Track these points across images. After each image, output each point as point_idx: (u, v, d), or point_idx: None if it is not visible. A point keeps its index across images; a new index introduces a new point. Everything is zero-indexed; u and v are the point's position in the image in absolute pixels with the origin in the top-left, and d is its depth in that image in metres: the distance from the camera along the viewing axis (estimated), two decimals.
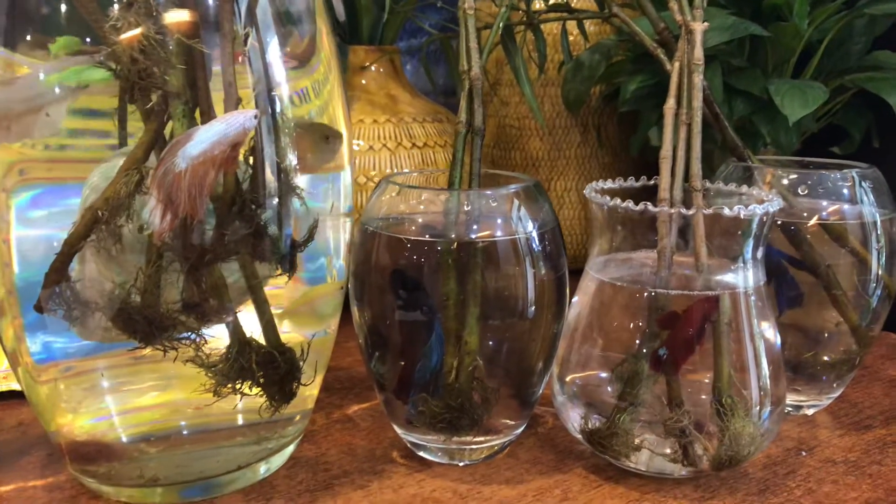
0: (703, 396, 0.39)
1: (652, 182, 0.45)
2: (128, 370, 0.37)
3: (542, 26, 0.64)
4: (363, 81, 0.69)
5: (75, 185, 0.35)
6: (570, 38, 0.69)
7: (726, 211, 0.37)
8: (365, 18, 0.69)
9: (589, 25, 0.67)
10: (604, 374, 0.41)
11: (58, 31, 0.33)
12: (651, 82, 0.63)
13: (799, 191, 0.45)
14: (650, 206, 0.39)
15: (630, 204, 0.39)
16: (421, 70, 0.90)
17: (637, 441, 0.39)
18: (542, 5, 0.64)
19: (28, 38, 0.34)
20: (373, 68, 0.69)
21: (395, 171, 0.64)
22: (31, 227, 0.35)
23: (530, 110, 0.75)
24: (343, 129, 0.42)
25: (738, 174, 0.48)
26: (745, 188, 0.43)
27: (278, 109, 0.37)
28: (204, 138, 0.33)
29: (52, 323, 0.35)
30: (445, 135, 0.68)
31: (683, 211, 0.38)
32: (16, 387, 0.50)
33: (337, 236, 0.42)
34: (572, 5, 0.63)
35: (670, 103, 0.44)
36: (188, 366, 0.35)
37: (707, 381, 0.39)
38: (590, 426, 0.41)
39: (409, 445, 0.44)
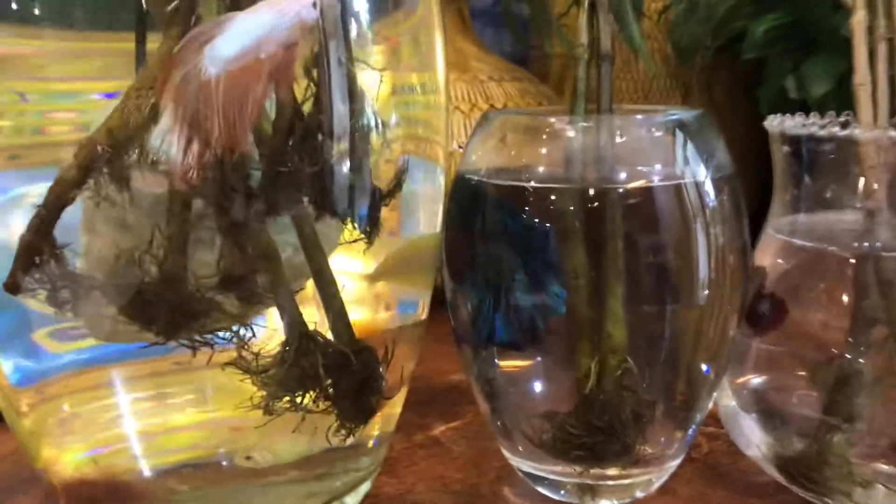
0: None
1: (842, 119, 0.33)
2: (143, 384, 0.27)
3: None
4: None
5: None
6: None
7: None
8: None
9: None
10: (798, 378, 0.30)
11: None
12: (786, 20, 0.51)
13: None
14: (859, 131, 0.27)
15: (838, 129, 0.28)
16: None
17: (866, 473, 0.28)
18: None
19: None
20: None
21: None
22: None
23: (632, 58, 0.63)
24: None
25: None
26: None
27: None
28: (243, 31, 0.22)
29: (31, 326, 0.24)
30: (528, 95, 0.56)
31: None
32: None
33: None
34: None
35: (859, 16, 0.33)
36: (228, 372, 0.25)
37: None
38: (787, 452, 0.29)
39: (523, 476, 0.32)
